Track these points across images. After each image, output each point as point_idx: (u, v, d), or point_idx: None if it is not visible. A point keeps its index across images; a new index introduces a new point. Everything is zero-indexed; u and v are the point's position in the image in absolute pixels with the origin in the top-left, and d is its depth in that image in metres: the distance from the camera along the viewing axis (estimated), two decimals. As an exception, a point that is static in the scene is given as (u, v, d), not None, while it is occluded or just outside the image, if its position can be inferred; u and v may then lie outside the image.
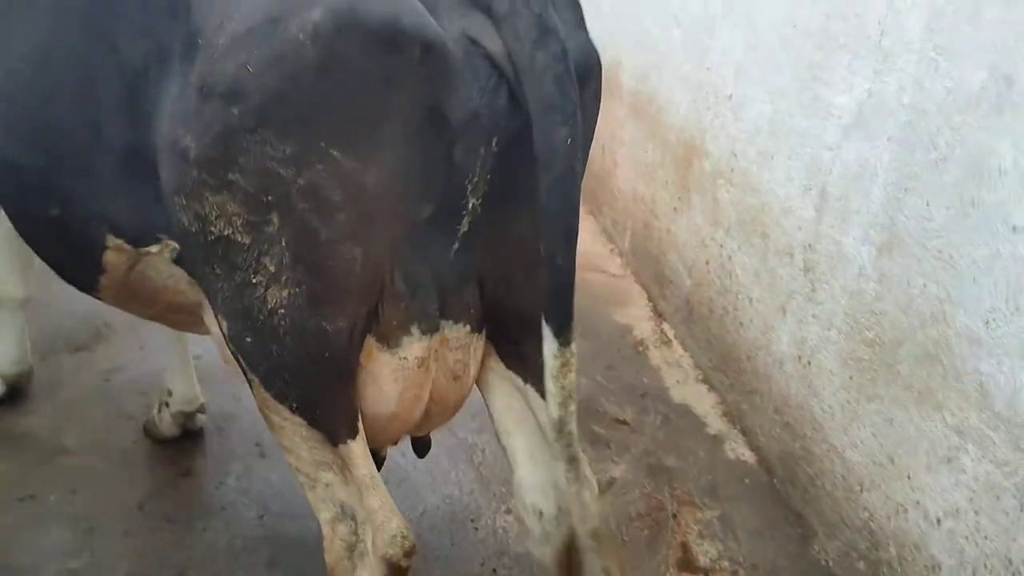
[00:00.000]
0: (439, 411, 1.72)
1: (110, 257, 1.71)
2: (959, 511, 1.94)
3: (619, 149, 4.27)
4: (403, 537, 1.59)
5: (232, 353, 1.56)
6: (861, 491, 2.30)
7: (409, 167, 1.40)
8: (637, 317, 3.73)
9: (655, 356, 3.45)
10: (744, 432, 2.95)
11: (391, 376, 1.55)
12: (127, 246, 1.67)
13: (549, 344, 1.47)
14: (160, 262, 1.67)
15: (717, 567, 2.41)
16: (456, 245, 1.53)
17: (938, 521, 2.01)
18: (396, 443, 1.93)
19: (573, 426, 1.53)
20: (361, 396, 1.57)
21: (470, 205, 1.49)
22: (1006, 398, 1.80)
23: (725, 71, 3.09)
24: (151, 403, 2.86)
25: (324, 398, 1.53)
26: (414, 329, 1.53)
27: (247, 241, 1.39)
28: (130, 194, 1.57)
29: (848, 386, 2.36)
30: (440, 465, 2.69)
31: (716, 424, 3.03)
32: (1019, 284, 1.79)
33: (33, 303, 2.94)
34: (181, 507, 2.50)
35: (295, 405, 1.53)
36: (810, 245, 2.54)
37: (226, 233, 1.39)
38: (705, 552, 2.47)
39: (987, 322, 1.86)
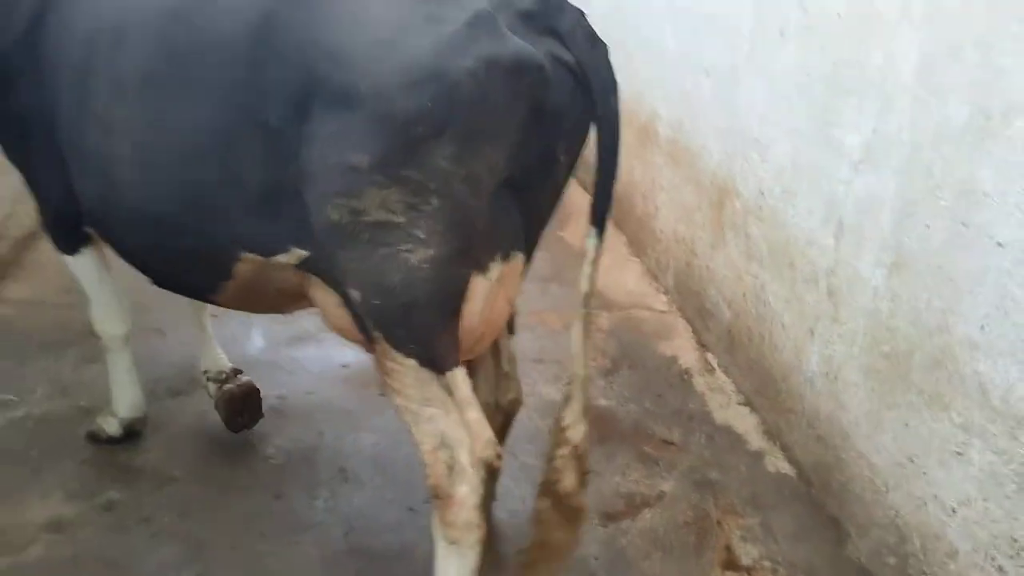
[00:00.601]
0: (489, 333, 2.22)
1: (240, 268, 2.20)
2: (970, 500, 2.16)
3: (659, 195, 4.57)
4: (494, 443, 2.06)
5: (360, 315, 2.01)
6: (887, 491, 2.52)
7: (519, 145, 1.96)
8: (682, 348, 3.99)
9: (700, 383, 3.70)
10: (783, 448, 3.18)
11: (481, 295, 2.06)
12: (259, 258, 2.15)
13: (592, 240, 2.09)
14: (284, 266, 2.13)
15: (758, 567, 2.64)
16: (549, 193, 2.16)
17: (953, 511, 2.22)
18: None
19: (591, 300, 2.14)
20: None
21: (559, 162, 2.09)
22: (1001, 394, 2.04)
23: (750, 117, 3.39)
24: (243, 439, 3.22)
25: (437, 336, 2.02)
26: (498, 255, 2.07)
27: (402, 220, 1.90)
28: (265, 219, 2.05)
29: (870, 397, 2.59)
30: (504, 485, 2.94)
31: (757, 441, 3.27)
32: (1006, 292, 2.03)
33: (138, 357, 3.32)
34: (276, 525, 2.81)
35: (412, 347, 2.00)
36: (832, 271, 2.79)
37: (380, 218, 1.89)
38: (747, 553, 2.70)
39: (982, 327, 2.10)
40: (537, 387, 3.60)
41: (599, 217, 2.10)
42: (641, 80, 4.86)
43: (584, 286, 2.12)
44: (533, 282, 4.64)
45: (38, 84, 2.44)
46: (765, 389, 3.33)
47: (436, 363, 2.02)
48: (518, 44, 1.88)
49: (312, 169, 1.91)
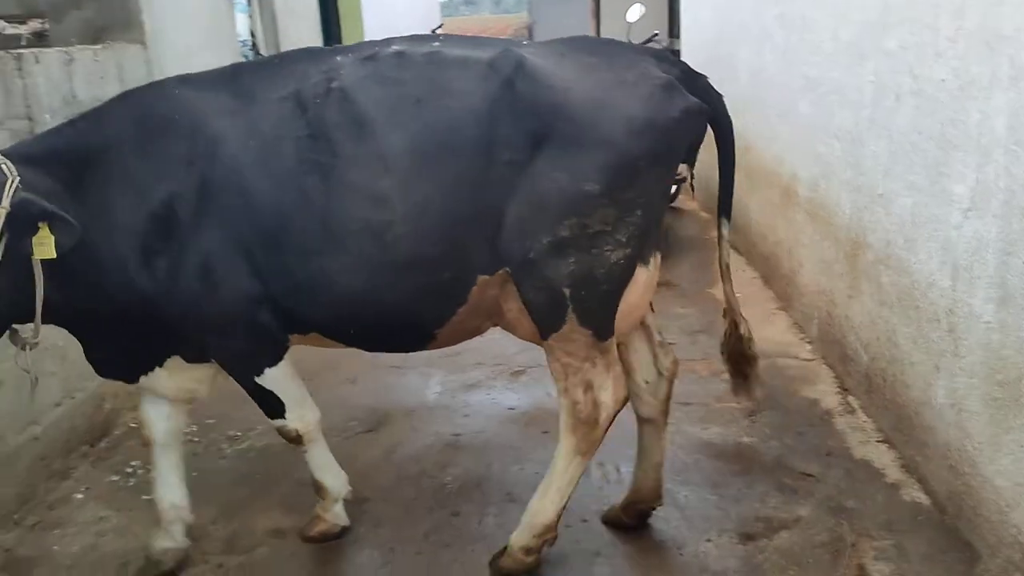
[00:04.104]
0: (642, 311, 2.93)
1: (473, 291, 2.73)
2: (1077, 510, 2.34)
3: (801, 251, 4.85)
4: (626, 388, 2.89)
5: (565, 306, 2.64)
6: (1010, 511, 2.70)
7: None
8: (825, 392, 4.21)
9: (840, 423, 3.91)
10: (919, 480, 3.36)
11: (644, 282, 2.77)
12: (487, 277, 2.70)
13: (724, 226, 2.90)
14: (496, 279, 2.70)
15: (889, 582, 2.85)
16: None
17: (1064, 522, 2.40)
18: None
19: (728, 265, 2.93)
20: (624, 297, 2.74)
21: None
22: (1095, 408, 2.24)
23: (875, 175, 3.67)
24: (424, 469, 3.74)
25: (610, 313, 2.72)
26: (654, 252, 2.80)
27: (611, 228, 2.58)
28: (492, 243, 2.63)
29: (990, 423, 2.80)
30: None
31: (894, 474, 3.46)
32: (1096, 317, 2.25)
33: (334, 401, 3.91)
34: (455, 537, 3.28)
35: (594, 323, 2.68)
36: (951, 310, 3.03)
37: (598, 229, 2.57)
38: (880, 571, 2.91)
39: (1077, 350, 2.32)
40: (683, 426, 3.93)
41: (726, 207, 2.93)
42: (781, 145, 5.20)
43: (724, 258, 2.94)
44: (684, 334, 5.03)
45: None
46: (901, 425, 3.53)
47: (604, 333, 2.72)
48: (693, 98, 2.66)
49: (546, 196, 2.56)
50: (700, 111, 2.67)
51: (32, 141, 2.79)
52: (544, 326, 2.72)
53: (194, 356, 2.98)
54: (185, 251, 2.65)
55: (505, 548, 3.00)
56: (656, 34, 7.90)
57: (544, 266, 2.60)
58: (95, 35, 4.55)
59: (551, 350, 2.77)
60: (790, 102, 4.97)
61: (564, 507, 2.94)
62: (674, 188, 7.39)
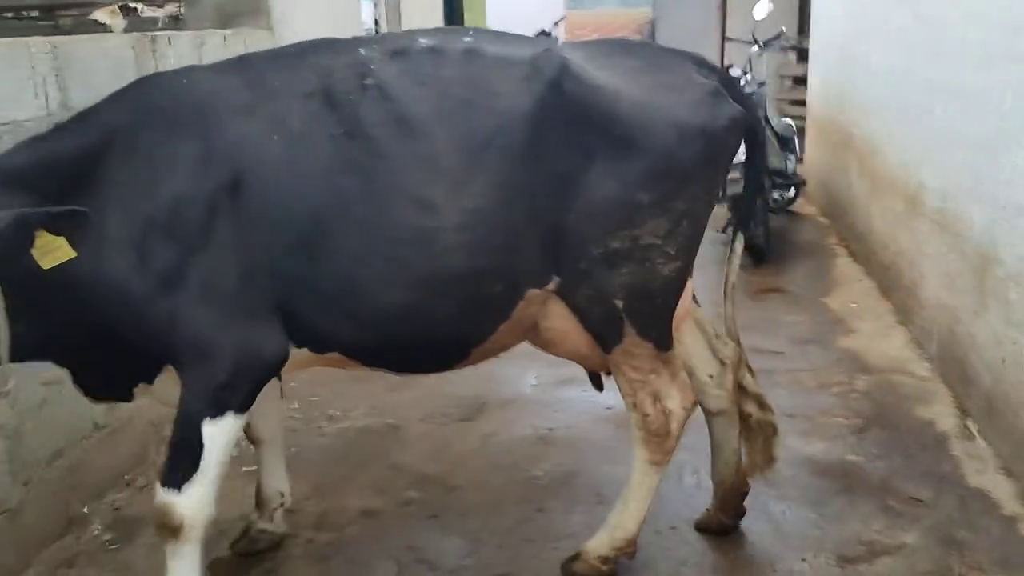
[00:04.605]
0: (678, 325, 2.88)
1: (520, 305, 2.59)
2: None
3: (925, 262, 4.59)
4: (693, 394, 2.85)
5: (620, 318, 2.62)
6: None
7: None
8: (941, 414, 3.98)
9: (956, 448, 3.68)
10: (1040, 516, 3.13)
11: (689, 291, 2.79)
12: (535, 291, 2.59)
13: (739, 241, 2.95)
14: (541, 294, 2.60)
15: (1000, 622, 2.66)
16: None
17: None
18: None
19: (734, 285, 3.00)
20: None
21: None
22: None
23: (1012, 187, 3.43)
24: (516, 461, 3.73)
25: (668, 324, 2.72)
26: (694, 261, 2.75)
27: (660, 241, 2.55)
28: (543, 255, 2.54)
29: (1125, 460, 2.57)
30: (743, 521, 3.20)
31: (1012, 507, 3.23)
32: None
33: (428, 389, 3.99)
34: (539, 533, 3.25)
35: (653, 334, 2.68)
36: (1087, 335, 2.80)
37: (647, 241, 2.54)
38: (989, 608, 2.73)
39: None
40: (785, 439, 3.76)
41: (744, 221, 3.03)
42: (909, 150, 4.94)
43: (731, 275, 2.98)
44: (792, 343, 4.85)
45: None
46: (1023, 455, 3.30)
47: (664, 344, 2.72)
48: (738, 106, 2.62)
49: (599, 206, 2.50)
50: (744, 120, 2.63)
51: (11, 152, 2.44)
52: (603, 339, 2.69)
53: None
54: (193, 257, 2.39)
55: (579, 553, 2.96)
56: (783, 31, 7.64)
57: (596, 278, 2.57)
58: (226, 20, 4.74)
59: (617, 365, 2.75)
60: (922, 106, 4.71)
61: (644, 518, 2.91)
62: (793, 191, 7.16)
